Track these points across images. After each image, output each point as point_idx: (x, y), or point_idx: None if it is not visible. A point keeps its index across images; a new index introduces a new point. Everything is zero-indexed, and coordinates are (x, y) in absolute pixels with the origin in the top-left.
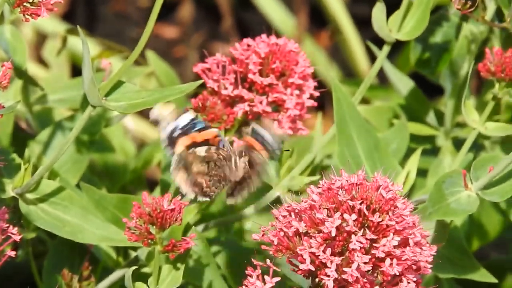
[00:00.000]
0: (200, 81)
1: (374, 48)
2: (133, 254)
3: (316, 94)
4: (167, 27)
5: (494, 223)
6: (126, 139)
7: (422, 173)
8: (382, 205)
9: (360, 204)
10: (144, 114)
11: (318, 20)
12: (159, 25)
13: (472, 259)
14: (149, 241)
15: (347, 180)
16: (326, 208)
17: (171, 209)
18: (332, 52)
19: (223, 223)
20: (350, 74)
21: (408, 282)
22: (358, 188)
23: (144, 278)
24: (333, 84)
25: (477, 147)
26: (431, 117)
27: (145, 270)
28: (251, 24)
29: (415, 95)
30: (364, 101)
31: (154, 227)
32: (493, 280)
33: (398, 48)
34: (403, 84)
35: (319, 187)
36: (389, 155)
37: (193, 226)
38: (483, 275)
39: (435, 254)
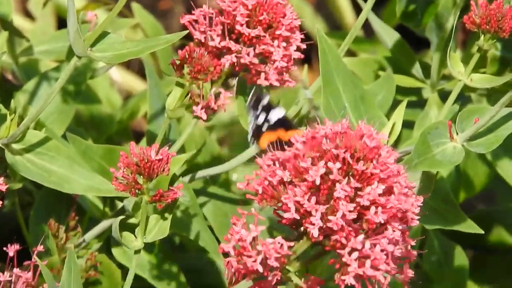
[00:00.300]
0: (186, 32)
1: (359, 0)
2: (119, 204)
3: (303, 46)
4: None
5: (480, 175)
6: (112, 90)
7: (408, 125)
8: (367, 153)
9: (344, 152)
10: (130, 66)
11: None
12: None
13: (459, 210)
14: (137, 191)
15: (331, 129)
16: (310, 157)
17: (159, 159)
18: (318, 5)
19: (210, 174)
20: (336, 27)
21: (394, 231)
22: (342, 137)
23: (131, 228)
24: (318, 36)
25: (464, 99)
26: (417, 70)
27: (132, 220)
28: None
29: (401, 47)
30: (351, 54)
31: (141, 177)
32: (480, 231)
33: (384, 1)
34: (389, 36)
35: (303, 136)
36: (375, 106)
37: (180, 177)
38: (469, 226)
39: (421, 205)
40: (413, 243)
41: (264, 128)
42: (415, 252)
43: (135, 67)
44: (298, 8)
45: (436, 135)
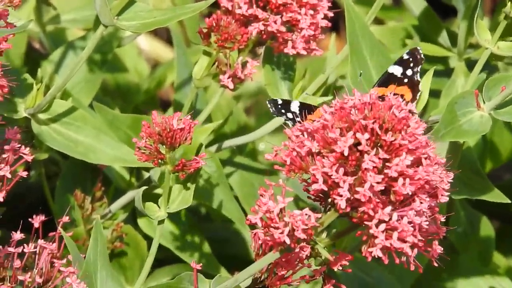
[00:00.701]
0: (213, 0)
1: None
2: (146, 175)
3: (330, 14)
4: None
5: (507, 143)
6: (140, 59)
7: (435, 94)
8: (395, 124)
9: (373, 123)
10: (158, 34)
11: None
12: None
13: (486, 180)
14: (159, 160)
15: (359, 100)
16: (339, 128)
17: (181, 128)
18: None
19: (236, 144)
20: None
21: (421, 202)
22: (371, 107)
23: (156, 199)
24: (346, 4)
25: (491, 68)
26: (444, 38)
27: (158, 191)
28: None
29: (428, 15)
30: (378, 22)
31: (164, 146)
32: (507, 200)
33: None
34: (415, 4)
35: (332, 107)
36: None
37: (204, 147)
38: (496, 196)
39: (451, 181)
40: (442, 219)
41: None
42: (444, 228)
43: (164, 35)
44: None
45: (463, 104)
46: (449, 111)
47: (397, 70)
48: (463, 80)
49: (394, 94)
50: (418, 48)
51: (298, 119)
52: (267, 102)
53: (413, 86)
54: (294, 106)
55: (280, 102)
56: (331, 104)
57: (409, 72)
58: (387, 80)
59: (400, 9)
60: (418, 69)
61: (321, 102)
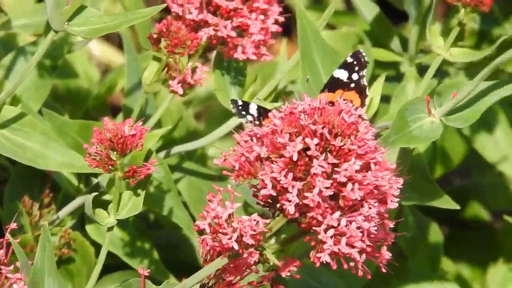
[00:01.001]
0: (164, 5)
1: None
2: (95, 181)
3: (281, 19)
4: None
5: (457, 149)
6: (90, 64)
7: (386, 99)
8: (344, 129)
9: (322, 128)
10: (110, 39)
11: None
12: None
13: (435, 186)
14: (110, 167)
15: (309, 105)
16: (288, 133)
17: (132, 135)
18: None
19: (186, 149)
20: (318, 1)
21: (370, 208)
22: (320, 112)
23: (105, 205)
24: (297, 9)
25: (442, 74)
26: (395, 43)
27: (107, 197)
28: None
29: (379, 21)
30: (331, 27)
31: (114, 152)
32: (456, 206)
33: None
34: (368, 10)
35: (281, 112)
36: None
37: (155, 153)
38: (446, 202)
39: (401, 187)
40: (391, 225)
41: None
42: (393, 234)
43: (116, 40)
44: None
45: (413, 110)
46: (400, 117)
47: (342, 74)
48: (414, 85)
49: (346, 102)
50: (361, 50)
51: (257, 122)
52: (230, 102)
53: (361, 91)
54: (253, 108)
55: (240, 103)
56: (281, 109)
57: (355, 76)
58: (333, 84)
59: (352, 14)
60: (364, 73)
61: (271, 107)
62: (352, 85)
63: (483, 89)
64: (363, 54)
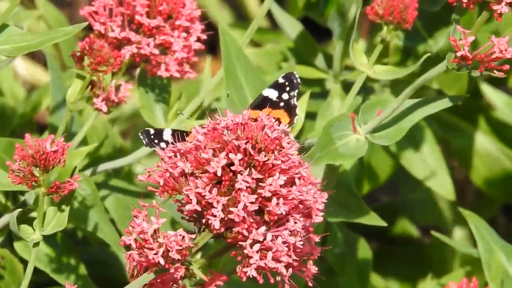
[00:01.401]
0: (86, 23)
1: None
2: (22, 199)
3: (204, 37)
4: None
5: (384, 166)
6: (16, 83)
7: (312, 116)
8: (268, 144)
9: (246, 143)
10: (35, 57)
11: None
12: None
13: (361, 203)
14: (33, 183)
15: (232, 120)
16: (212, 148)
17: (54, 151)
18: None
19: (112, 167)
20: (243, 18)
21: (295, 222)
22: (244, 128)
23: (32, 222)
24: (220, 28)
25: (367, 90)
26: (320, 60)
27: (34, 214)
28: None
29: (303, 38)
30: (257, 45)
31: (37, 169)
32: (382, 223)
33: None
34: (291, 27)
35: (204, 127)
36: None
37: (80, 170)
38: (372, 219)
39: (325, 201)
40: (317, 239)
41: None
42: (319, 248)
43: (42, 59)
44: None
45: (339, 127)
46: (325, 134)
47: (272, 94)
48: (339, 102)
49: (269, 117)
50: (294, 72)
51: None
52: (139, 133)
53: (290, 110)
54: (167, 135)
55: (152, 132)
56: (204, 125)
57: (285, 96)
58: (262, 103)
59: (277, 32)
60: (295, 94)
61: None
62: (282, 103)
63: (408, 107)
64: (296, 75)
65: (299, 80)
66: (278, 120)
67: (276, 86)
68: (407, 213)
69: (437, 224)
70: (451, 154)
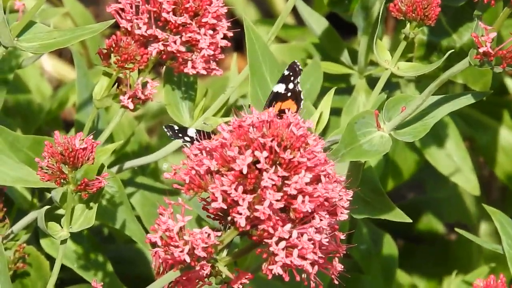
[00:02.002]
0: (113, 20)
1: None
2: (48, 195)
3: (230, 34)
4: None
5: (408, 162)
6: (43, 80)
7: (338, 112)
8: (293, 142)
9: (271, 141)
10: (62, 55)
11: None
12: None
13: (386, 199)
14: (62, 180)
15: (257, 118)
16: (237, 146)
17: (83, 148)
18: None
19: (138, 164)
20: (269, 15)
21: (321, 219)
22: (269, 125)
23: (59, 219)
24: (245, 24)
25: (392, 85)
26: (345, 56)
27: (60, 212)
28: None
29: (328, 34)
30: (283, 41)
31: (66, 166)
32: (407, 219)
33: None
34: (317, 23)
35: (230, 125)
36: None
37: (106, 167)
38: (397, 215)
39: (351, 198)
40: (342, 237)
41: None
42: (344, 246)
43: (68, 56)
44: None
45: (363, 124)
46: (349, 131)
47: (280, 88)
48: (364, 98)
49: (280, 111)
50: (296, 61)
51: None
52: (164, 127)
53: (297, 97)
54: (191, 132)
55: (176, 128)
56: (230, 122)
57: (290, 85)
58: (273, 99)
59: (303, 28)
60: (298, 80)
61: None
62: (289, 94)
63: (432, 103)
64: (298, 63)
65: (300, 67)
66: (288, 110)
67: (283, 79)
68: (433, 210)
69: (462, 221)
70: (476, 151)
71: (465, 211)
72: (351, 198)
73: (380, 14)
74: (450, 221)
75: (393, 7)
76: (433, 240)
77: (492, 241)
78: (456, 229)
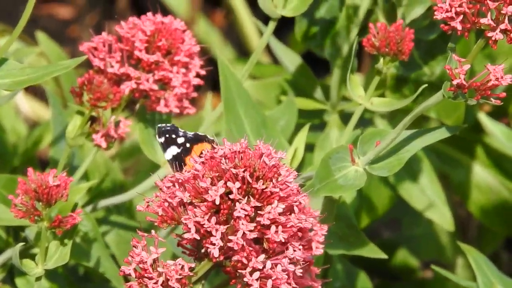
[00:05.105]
0: (84, 57)
1: (261, 25)
2: (23, 235)
3: (203, 72)
4: (62, 7)
5: (383, 198)
6: (18, 120)
7: (312, 148)
8: (266, 172)
9: (244, 171)
10: (38, 94)
11: (212, 0)
12: (54, 5)
13: (361, 235)
14: (36, 217)
15: (229, 149)
16: (210, 177)
17: (57, 185)
18: (228, 31)
19: (113, 203)
20: (245, 53)
21: (294, 250)
22: (241, 156)
23: (34, 258)
24: (219, 61)
25: (365, 121)
26: (318, 93)
27: (36, 251)
28: (146, 4)
29: (302, 70)
30: (257, 79)
31: (40, 203)
32: (382, 255)
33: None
34: (290, 60)
35: (202, 157)
36: (276, 131)
37: (81, 207)
38: (372, 251)
39: (325, 233)
40: (317, 272)
41: (187, 144)
42: (320, 281)
43: (44, 96)
44: (206, 34)
45: (337, 159)
46: (324, 166)
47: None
48: (337, 133)
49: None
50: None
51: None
52: (157, 127)
53: None
54: (180, 140)
55: (168, 127)
56: (202, 154)
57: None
58: None
59: (278, 66)
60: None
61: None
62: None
63: (406, 137)
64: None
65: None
66: None
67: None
68: (408, 247)
69: (438, 258)
70: (451, 188)
71: (441, 248)
72: (326, 233)
73: (354, 50)
74: (426, 259)
75: (366, 42)
76: (409, 278)
77: (470, 275)
78: (433, 267)
